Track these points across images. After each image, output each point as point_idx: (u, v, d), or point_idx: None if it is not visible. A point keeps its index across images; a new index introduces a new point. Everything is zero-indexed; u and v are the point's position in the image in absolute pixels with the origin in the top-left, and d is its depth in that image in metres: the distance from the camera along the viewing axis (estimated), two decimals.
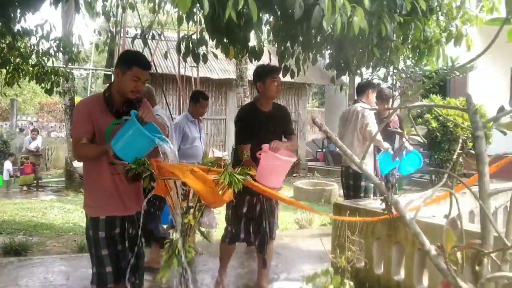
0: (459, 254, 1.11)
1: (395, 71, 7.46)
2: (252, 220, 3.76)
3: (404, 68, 7.60)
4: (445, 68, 7.47)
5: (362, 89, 4.76)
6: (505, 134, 1.37)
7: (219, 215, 5.17)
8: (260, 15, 3.05)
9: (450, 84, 11.51)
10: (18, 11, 4.84)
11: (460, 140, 1.52)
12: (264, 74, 3.62)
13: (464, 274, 1.14)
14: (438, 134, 7.60)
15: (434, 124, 7.54)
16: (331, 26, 2.46)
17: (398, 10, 2.92)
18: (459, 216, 1.34)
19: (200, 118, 5.08)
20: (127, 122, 2.54)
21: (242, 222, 3.75)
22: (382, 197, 1.25)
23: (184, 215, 2.68)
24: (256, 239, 3.79)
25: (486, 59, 9.26)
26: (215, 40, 3.33)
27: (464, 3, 4.15)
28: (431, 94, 8.82)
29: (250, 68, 12.69)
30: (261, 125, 3.68)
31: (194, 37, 4.09)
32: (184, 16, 3.08)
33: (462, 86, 11.24)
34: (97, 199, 2.82)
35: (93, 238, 2.80)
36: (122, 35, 10.01)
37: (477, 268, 1.04)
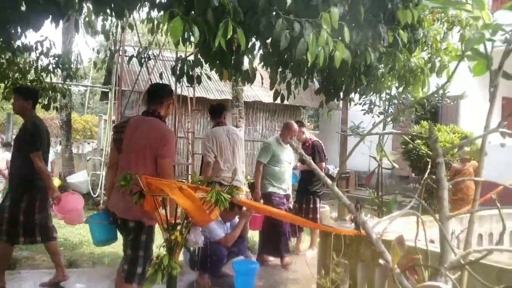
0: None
1: (387, 96, 7.60)
2: None
3: (396, 94, 7.74)
4: (436, 95, 7.64)
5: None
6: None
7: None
8: (252, 41, 3.17)
9: (441, 111, 11.68)
10: (19, 28, 4.94)
11: (429, 166, 1.60)
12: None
13: None
14: (428, 159, 7.70)
15: (424, 148, 7.65)
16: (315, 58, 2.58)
17: (382, 42, 3.06)
18: (425, 237, 1.44)
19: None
20: None
21: None
22: (352, 217, 1.34)
23: (171, 232, 2.75)
24: None
25: (478, 87, 9.48)
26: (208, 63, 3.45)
27: (448, 36, 4.34)
28: (422, 121, 8.97)
29: (246, 89, 12.86)
30: None
31: (191, 57, 4.20)
32: (181, 39, 3.20)
33: (454, 113, 11.41)
34: None
35: None
36: (120, 53, 10.17)
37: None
